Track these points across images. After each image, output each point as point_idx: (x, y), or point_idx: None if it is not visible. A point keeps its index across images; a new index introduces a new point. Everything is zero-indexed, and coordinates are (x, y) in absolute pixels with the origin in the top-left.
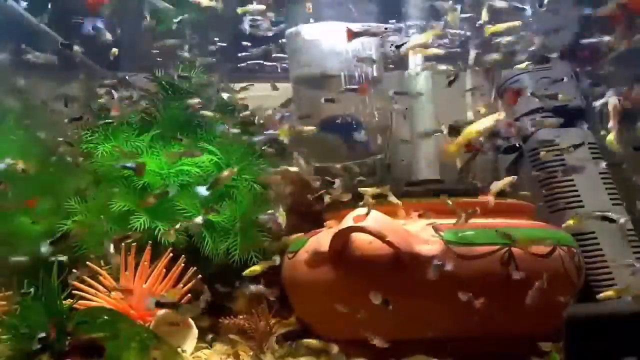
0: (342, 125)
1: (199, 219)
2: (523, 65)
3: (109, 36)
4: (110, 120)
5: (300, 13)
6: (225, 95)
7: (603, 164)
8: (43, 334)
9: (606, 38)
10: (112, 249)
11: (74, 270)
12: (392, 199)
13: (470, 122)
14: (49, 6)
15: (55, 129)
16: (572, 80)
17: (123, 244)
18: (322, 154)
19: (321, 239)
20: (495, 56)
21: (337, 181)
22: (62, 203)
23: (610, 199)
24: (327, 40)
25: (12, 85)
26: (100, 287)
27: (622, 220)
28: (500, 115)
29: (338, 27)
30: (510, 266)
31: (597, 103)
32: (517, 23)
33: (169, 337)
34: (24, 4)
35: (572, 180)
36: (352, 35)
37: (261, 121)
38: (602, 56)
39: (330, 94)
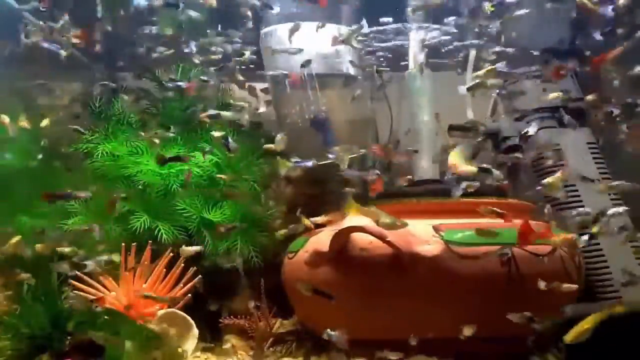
0: (321, 123)
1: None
2: None
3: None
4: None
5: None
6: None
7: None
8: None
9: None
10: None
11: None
12: None
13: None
14: None
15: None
16: (572, 79)
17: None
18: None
19: (321, 239)
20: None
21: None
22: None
23: (611, 199)
24: (300, 40)
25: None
26: (100, 287)
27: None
28: None
29: (311, 27)
30: (511, 266)
31: None
32: None
33: (169, 337)
34: None
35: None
36: None
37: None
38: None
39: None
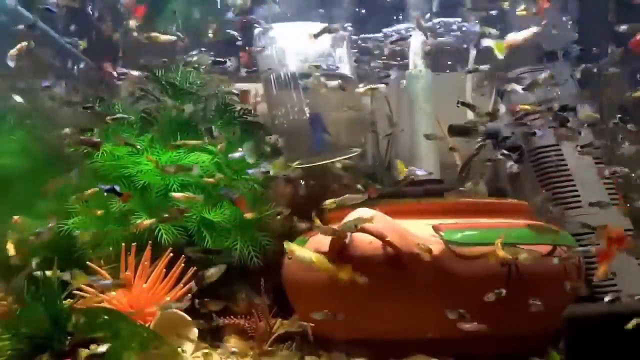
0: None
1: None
2: None
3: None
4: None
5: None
6: None
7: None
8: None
9: None
10: None
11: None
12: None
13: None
14: None
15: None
16: (571, 80)
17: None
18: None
19: (321, 239)
20: None
21: None
22: (62, 203)
23: (610, 199)
24: (290, 40)
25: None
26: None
27: None
28: None
29: (302, 27)
30: (510, 266)
31: None
32: None
33: (169, 337)
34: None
35: (572, 180)
36: None
37: None
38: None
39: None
